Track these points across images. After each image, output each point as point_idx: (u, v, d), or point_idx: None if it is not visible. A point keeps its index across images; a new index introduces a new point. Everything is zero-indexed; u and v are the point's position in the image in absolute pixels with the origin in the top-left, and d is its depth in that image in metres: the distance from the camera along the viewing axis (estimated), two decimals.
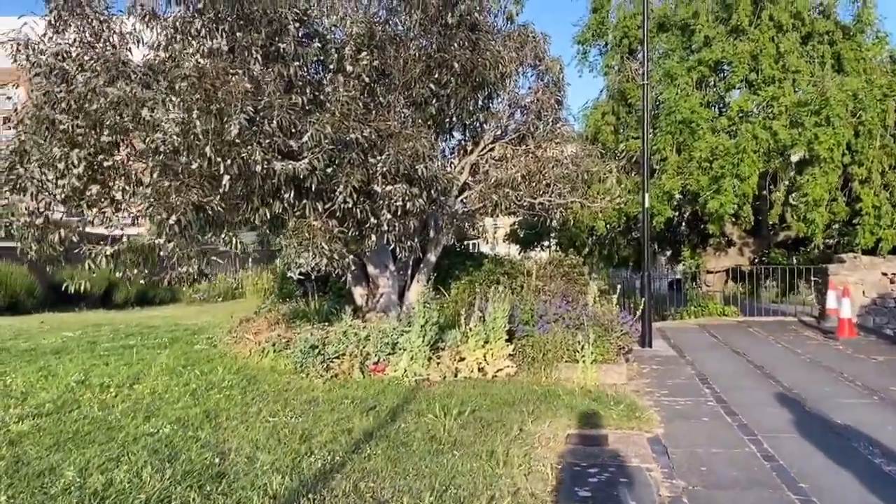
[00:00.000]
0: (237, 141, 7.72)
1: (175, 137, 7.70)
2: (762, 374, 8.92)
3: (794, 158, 14.16)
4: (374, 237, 9.71)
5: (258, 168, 7.85)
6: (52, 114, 8.14)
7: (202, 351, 10.61)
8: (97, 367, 8.97)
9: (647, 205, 11.06)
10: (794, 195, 14.29)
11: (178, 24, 8.69)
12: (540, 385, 8.00)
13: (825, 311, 13.65)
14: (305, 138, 8.22)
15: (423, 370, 8.23)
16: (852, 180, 14.29)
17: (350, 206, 8.88)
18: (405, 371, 8.32)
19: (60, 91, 8.30)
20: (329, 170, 8.86)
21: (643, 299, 10.86)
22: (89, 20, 8.70)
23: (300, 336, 9.85)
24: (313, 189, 8.46)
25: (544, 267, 12.31)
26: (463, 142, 12.70)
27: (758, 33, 15.47)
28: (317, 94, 9.70)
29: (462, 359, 8.41)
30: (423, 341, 8.31)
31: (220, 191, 7.90)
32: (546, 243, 21.31)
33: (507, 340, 8.62)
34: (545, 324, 9.12)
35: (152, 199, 7.20)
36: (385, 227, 9.53)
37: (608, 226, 19.99)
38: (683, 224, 22.34)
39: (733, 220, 17.86)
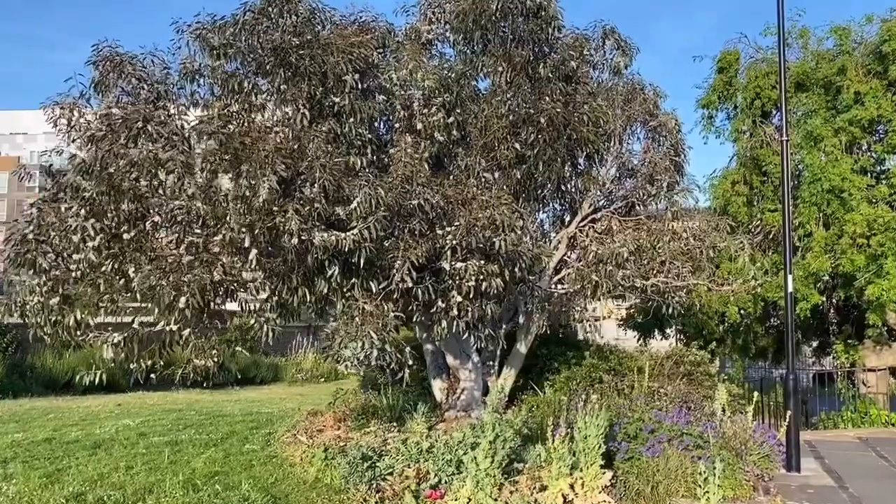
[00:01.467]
0: (268, 207, 6.46)
1: (197, 203, 6.55)
2: None
3: None
4: (444, 323, 8.16)
5: (294, 240, 6.54)
6: (76, 178, 7.25)
7: (249, 453, 9.25)
8: (115, 473, 7.76)
9: (790, 288, 8.91)
10: None
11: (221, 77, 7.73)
12: None
13: None
14: (354, 204, 6.86)
15: (490, 502, 6.42)
16: None
17: (410, 285, 7.40)
18: (469, 501, 6.53)
19: (88, 153, 7.44)
20: (387, 242, 7.46)
21: (789, 413, 8.58)
22: (128, 77, 7.89)
23: (354, 442, 8.34)
24: (363, 265, 7.04)
25: (661, 363, 10.25)
26: (559, 212, 11.05)
27: None
28: (380, 156, 8.45)
29: (544, 488, 6.54)
30: (491, 463, 6.53)
31: (249, 267, 6.63)
32: (669, 331, 18.91)
33: (603, 466, 6.69)
34: (656, 442, 7.11)
35: (156, 276, 6.00)
36: (455, 312, 7.96)
37: (742, 312, 17.48)
38: (832, 311, 19.35)
39: None
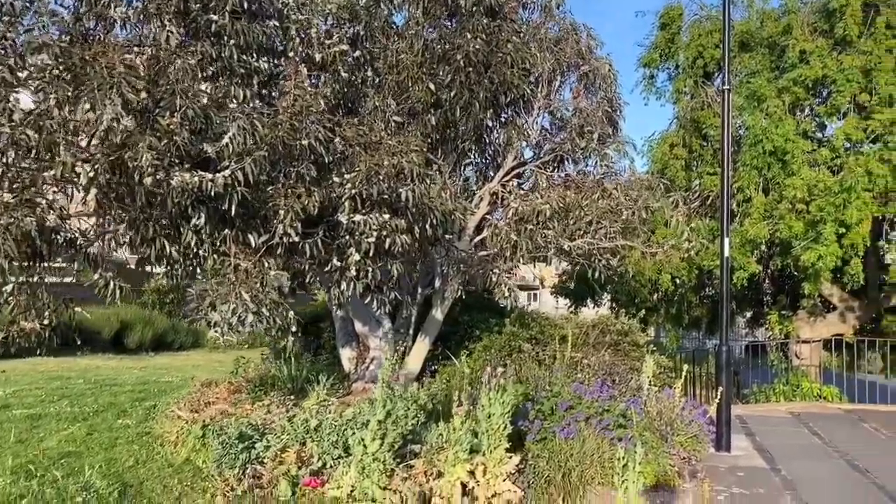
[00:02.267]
0: (112, 139, 5.33)
1: (27, 132, 5.39)
2: None
3: None
4: (344, 285, 7.19)
5: (148, 180, 5.45)
6: None
7: (119, 429, 8.18)
8: None
9: (726, 253, 8.21)
10: None
11: None
12: None
13: None
14: (226, 140, 5.78)
15: (377, 491, 5.54)
16: None
17: (295, 239, 6.39)
18: (352, 490, 5.64)
19: None
20: (270, 189, 6.43)
21: (721, 389, 7.92)
22: None
23: (238, 418, 7.38)
24: (237, 214, 5.99)
25: (587, 332, 9.50)
26: (483, 166, 10.13)
27: (871, 44, 12.53)
28: (270, 90, 7.35)
29: (441, 474, 5.68)
30: (380, 445, 5.63)
31: (88, 209, 5.52)
32: (602, 298, 18.34)
33: (511, 448, 5.87)
34: (573, 421, 6.32)
35: None
36: (353, 272, 6.99)
37: (676, 280, 16.98)
38: (768, 281, 19.08)
39: (834, 277, 14.65)
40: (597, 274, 8.90)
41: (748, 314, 22.00)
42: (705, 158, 15.49)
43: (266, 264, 6.33)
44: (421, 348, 9.98)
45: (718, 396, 7.85)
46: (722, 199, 8.32)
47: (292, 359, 10.73)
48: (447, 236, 8.70)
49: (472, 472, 5.61)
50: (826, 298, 15.75)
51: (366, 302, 7.75)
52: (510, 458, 5.72)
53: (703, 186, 15.24)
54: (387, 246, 6.99)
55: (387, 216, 6.96)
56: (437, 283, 9.56)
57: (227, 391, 9.91)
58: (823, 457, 8.08)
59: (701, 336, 23.26)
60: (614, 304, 17.70)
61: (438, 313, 9.86)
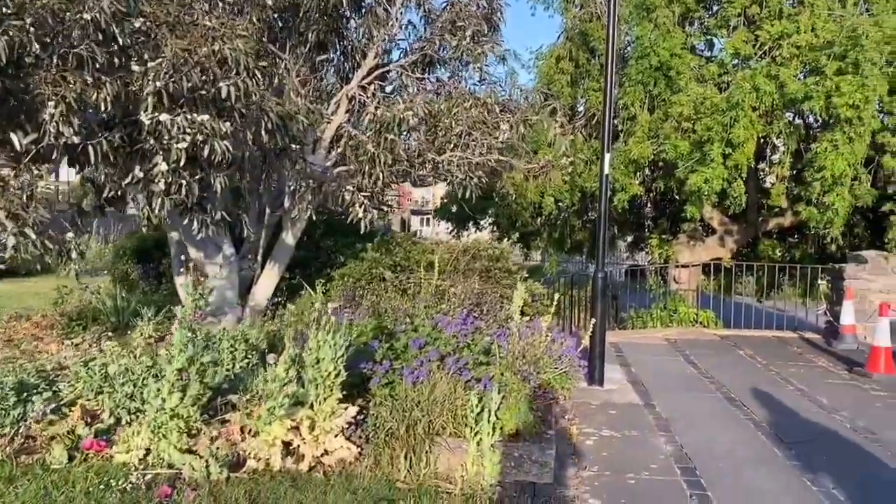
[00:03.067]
0: None
1: None
2: (786, 454, 5.39)
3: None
4: (157, 203, 5.93)
5: None
6: None
7: None
8: None
9: (606, 170, 7.42)
10: (807, 171, 10.84)
11: None
12: (395, 489, 4.37)
13: (838, 329, 10.30)
14: None
15: (175, 455, 4.48)
16: (882, 153, 10.91)
17: (76, 140, 5.05)
18: (146, 454, 4.56)
19: None
20: (35, 74, 5.02)
21: (593, 321, 7.25)
22: None
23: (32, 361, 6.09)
24: None
25: (457, 257, 8.61)
26: (342, 66, 8.87)
27: None
28: None
29: (257, 433, 4.67)
30: (181, 399, 4.53)
31: None
32: (484, 223, 17.61)
33: (347, 398, 4.92)
34: (425, 361, 5.42)
35: None
36: (161, 186, 5.73)
37: (559, 204, 16.41)
38: (650, 204, 18.89)
39: (716, 201, 14.41)
40: (468, 193, 7.96)
41: (629, 238, 21.95)
42: (592, 74, 14.70)
43: (35, 172, 4.97)
44: (270, 277, 8.84)
45: (591, 329, 7.18)
46: (604, 113, 7.48)
47: (117, 288, 9.36)
48: (294, 146, 7.47)
49: (296, 428, 4.64)
50: (706, 222, 15.60)
51: (185, 223, 6.50)
52: (345, 409, 4.77)
53: (589, 104, 14.52)
54: (205, 154, 5.76)
55: (204, 117, 5.70)
56: (287, 203, 8.36)
57: (37, 326, 8.50)
58: (700, 389, 7.63)
59: (584, 260, 23.17)
60: (496, 229, 16.99)
61: (289, 237, 8.71)
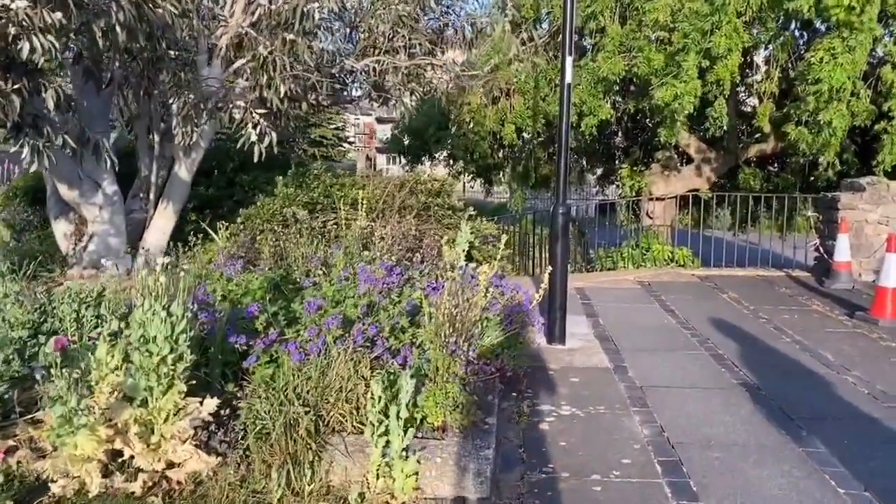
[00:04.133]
0: None
1: None
2: (797, 438, 4.18)
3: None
4: None
5: None
6: None
7: None
8: None
9: (568, 78, 6.01)
10: (799, 85, 9.50)
11: None
12: None
13: (832, 266, 9.15)
14: None
15: None
16: (881, 64, 9.61)
17: None
18: None
19: None
20: None
21: (550, 270, 5.93)
22: None
23: None
24: None
25: (391, 193, 7.19)
26: None
27: None
28: None
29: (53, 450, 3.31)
30: None
31: None
32: (439, 155, 16.13)
33: (202, 390, 3.56)
34: (324, 329, 4.06)
35: None
36: None
37: (523, 133, 15.05)
38: (621, 134, 17.56)
39: (693, 125, 13.13)
40: (398, 110, 6.51)
41: (599, 171, 20.72)
42: None
43: None
44: (164, 218, 7.38)
45: (549, 276, 5.86)
46: (565, 3, 6.00)
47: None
48: (171, 53, 5.93)
49: (123, 433, 3.29)
50: (683, 150, 14.34)
51: (15, 147, 5.00)
52: (198, 404, 3.43)
53: (554, 16, 12.97)
54: (24, 54, 4.25)
55: (20, 4, 4.18)
56: (175, 128, 6.82)
57: None
58: (681, 346, 6.40)
59: (552, 196, 21.90)
60: (451, 162, 15.55)
61: (183, 171, 7.22)
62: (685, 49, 9.79)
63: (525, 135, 15.35)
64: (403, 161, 17.39)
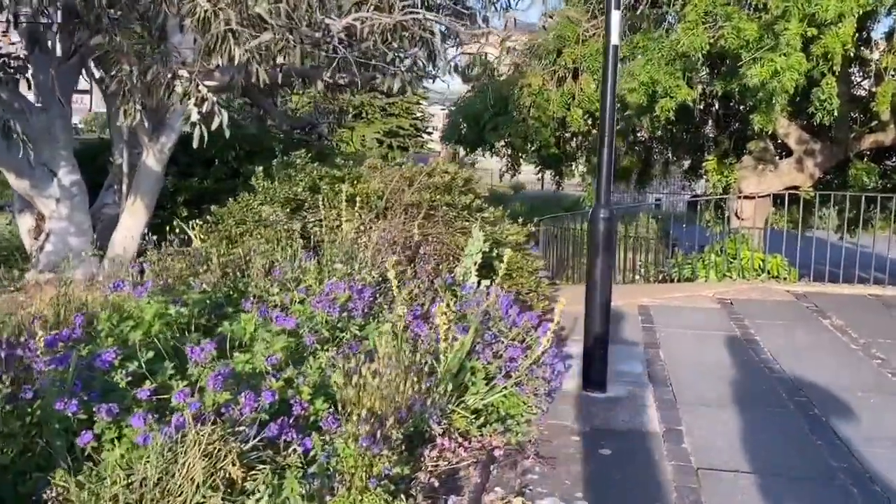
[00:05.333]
0: None
1: None
2: None
3: None
4: None
5: None
6: None
7: None
8: None
9: (614, 39, 4.53)
10: None
11: None
12: None
13: None
14: None
15: None
16: None
17: None
18: None
19: None
20: None
21: (598, 288, 4.47)
22: None
23: None
24: None
25: (399, 189, 5.84)
26: None
27: None
28: None
29: None
30: None
31: None
32: (498, 144, 14.62)
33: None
34: (212, 388, 2.75)
35: None
36: None
37: (592, 118, 13.43)
38: (712, 121, 15.63)
39: (794, 111, 11.24)
40: (395, 83, 5.15)
41: (686, 163, 18.78)
42: None
43: None
44: (134, 215, 6.28)
45: (585, 300, 4.40)
46: None
47: None
48: (111, 11, 4.77)
49: None
50: (781, 140, 12.40)
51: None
52: None
53: None
54: None
55: None
56: (115, 107, 5.64)
57: None
58: (762, 398, 4.81)
59: (636, 190, 20.18)
60: (510, 151, 14.02)
61: (151, 159, 6.08)
62: (785, 15, 8.05)
63: (589, 120, 13.84)
64: (462, 152, 16.03)
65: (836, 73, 8.59)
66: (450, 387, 3.10)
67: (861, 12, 8.47)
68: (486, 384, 3.42)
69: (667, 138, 15.78)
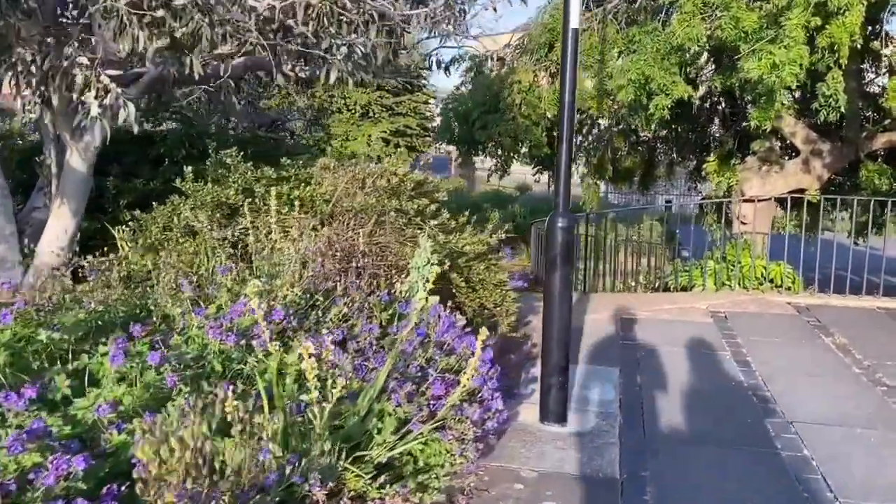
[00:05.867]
0: None
1: None
2: None
3: None
4: None
5: None
6: None
7: None
8: None
9: (573, 22, 3.91)
10: None
11: None
12: None
13: None
14: None
15: None
16: None
17: None
18: None
19: None
20: None
21: (556, 310, 3.86)
22: None
23: None
24: None
25: (350, 192, 5.25)
26: None
27: None
28: None
29: None
30: None
31: None
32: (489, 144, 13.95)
33: None
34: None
35: None
36: None
37: (594, 118, 12.88)
38: (717, 119, 14.96)
39: (801, 108, 10.61)
40: (365, 71, 4.57)
41: (692, 164, 18.12)
42: None
43: None
44: (60, 219, 5.71)
45: (542, 320, 3.80)
46: None
47: None
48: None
49: None
50: (787, 140, 11.71)
51: None
52: None
53: None
54: None
55: None
56: (56, 101, 5.08)
57: None
58: (747, 434, 4.18)
59: (638, 191, 19.54)
60: (499, 151, 13.38)
61: (76, 159, 5.51)
62: (789, 5, 7.41)
63: (601, 121, 13.21)
64: (455, 153, 15.40)
65: (843, 67, 7.92)
66: (338, 442, 2.52)
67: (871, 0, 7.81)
68: (397, 430, 2.83)
69: (671, 138, 15.17)
